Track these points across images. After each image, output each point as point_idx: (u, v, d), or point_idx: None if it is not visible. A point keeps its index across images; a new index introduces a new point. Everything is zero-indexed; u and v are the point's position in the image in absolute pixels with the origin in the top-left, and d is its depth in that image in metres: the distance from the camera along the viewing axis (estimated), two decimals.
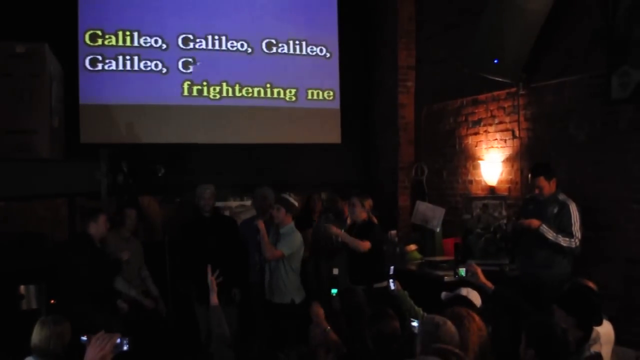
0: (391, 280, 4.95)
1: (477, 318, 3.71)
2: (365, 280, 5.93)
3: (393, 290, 4.89)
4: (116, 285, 5.96)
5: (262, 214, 6.19)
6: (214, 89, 8.13)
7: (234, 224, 6.62)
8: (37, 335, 3.82)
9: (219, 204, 7.13)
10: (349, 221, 6.61)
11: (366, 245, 5.94)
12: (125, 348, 3.41)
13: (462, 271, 4.77)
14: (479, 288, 4.55)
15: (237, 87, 8.24)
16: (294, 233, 5.83)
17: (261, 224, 5.71)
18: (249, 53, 8.30)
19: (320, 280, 6.83)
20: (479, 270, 4.64)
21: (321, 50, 8.68)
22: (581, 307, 3.72)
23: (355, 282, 6.08)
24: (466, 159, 7.60)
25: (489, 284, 4.54)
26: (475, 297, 4.42)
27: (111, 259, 5.75)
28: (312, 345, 4.29)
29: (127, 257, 5.86)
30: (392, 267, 5.32)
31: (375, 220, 6.30)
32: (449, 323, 3.42)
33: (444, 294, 4.61)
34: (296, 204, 5.99)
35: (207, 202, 6.31)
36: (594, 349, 3.68)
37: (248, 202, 8.01)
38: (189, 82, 8.02)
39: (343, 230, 6.19)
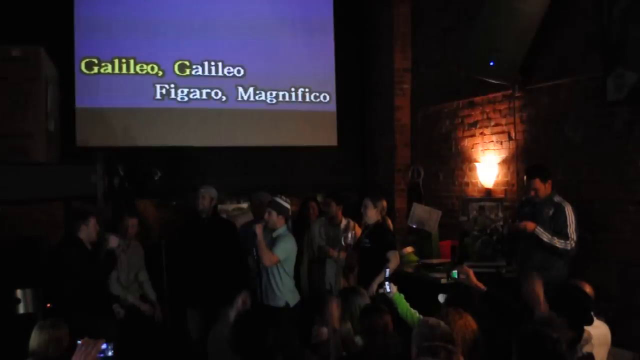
0: (387, 283, 4.94)
1: (465, 315, 3.74)
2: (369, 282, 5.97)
3: (389, 292, 4.89)
4: (112, 290, 5.95)
5: (261, 218, 6.14)
6: (210, 93, 8.14)
7: (232, 227, 6.60)
8: (35, 339, 3.80)
9: None
10: (342, 225, 6.59)
11: (397, 259, 6.04)
12: (110, 354, 3.42)
13: (455, 273, 4.78)
14: (470, 289, 4.57)
15: (233, 91, 8.24)
16: (287, 236, 5.78)
17: (259, 229, 5.61)
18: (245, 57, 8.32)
19: (313, 282, 6.82)
20: (471, 272, 4.65)
21: (317, 53, 8.68)
22: (571, 307, 3.73)
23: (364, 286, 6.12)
24: (462, 161, 7.61)
25: (481, 286, 4.55)
26: None
27: (104, 253, 5.69)
28: (312, 342, 4.28)
29: (114, 244, 5.63)
30: (387, 270, 5.33)
31: (390, 222, 6.32)
32: (443, 325, 3.44)
33: (441, 296, 4.62)
34: (289, 206, 5.88)
35: (201, 202, 6.31)
36: (586, 349, 3.69)
37: (244, 205, 8.02)
38: (185, 86, 8.04)
39: (350, 235, 6.20)
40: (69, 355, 3.72)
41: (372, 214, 6.20)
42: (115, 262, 5.69)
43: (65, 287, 5.34)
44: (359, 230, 6.48)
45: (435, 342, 3.22)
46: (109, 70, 7.76)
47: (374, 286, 5.81)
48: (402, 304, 4.81)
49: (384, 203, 6.32)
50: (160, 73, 7.97)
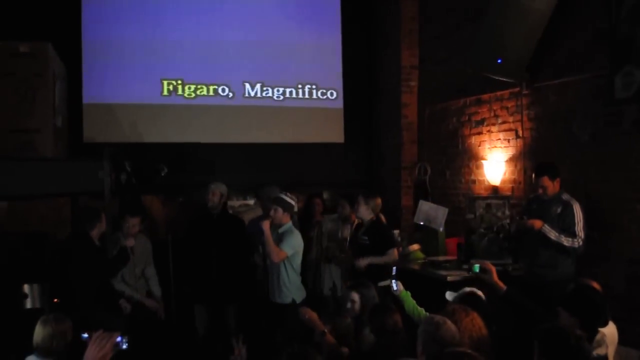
0: (394, 281, 4.94)
1: (472, 313, 3.73)
2: (370, 278, 5.99)
3: (396, 290, 4.89)
4: (117, 287, 5.98)
5: (268, 214, 6.15)
6: (217, 89, 8.14)
7: (241, 224, 6.61)
8: (39, 334, 3.82)
9: None
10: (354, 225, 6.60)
11: (395, 254, 6.11)
12: (124, 347, 3.43)
13: (477, 267, 4.72)
14: (489, 287, 4.54)
15: (240, 87, 8.25)
16: (293, 232, 5.80)
17: (266, 226, 5.60)
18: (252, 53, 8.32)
19: (320, 280, 6.82)
20: (493, 270, 4.60)
21: (324, 50, 8.68)
22: (585, 308, 3.70)
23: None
24: (469, 158, 7.59)
25: (501, 284, 4.51)
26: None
27: (117, 249, 5.76)
28: (315, 341, 4.28)
29: (131, 244, 5.82)
30: (394, 268, 5.32)
31: (383, 219, 6.33)
32: (449, 322, 3.43)
33: (448, 294, 4.61)
34: (294, 203, 5.92)
35: (211, 198, 6.33)
36: (600, 351, 3.65)
37: (251, 202, 8.02)
38: (192, 82, 8.04)
39: (347, 230, 6.22)
40: (73, 349, 3.76)
41: (363, 211, 6.23)
42: (128, 259, 5.74)
43: (73, 282, 5.37)
44: None
45: (444, 343, 3.22)
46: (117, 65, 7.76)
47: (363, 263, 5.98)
48: (409, 301, 4.81)
49: (378, 201, 6.32)
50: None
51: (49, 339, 3.79)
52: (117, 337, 3.37)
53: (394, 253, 6.10)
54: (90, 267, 5.39)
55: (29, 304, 5.71)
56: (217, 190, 6.37)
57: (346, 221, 6.72)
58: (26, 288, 5.74)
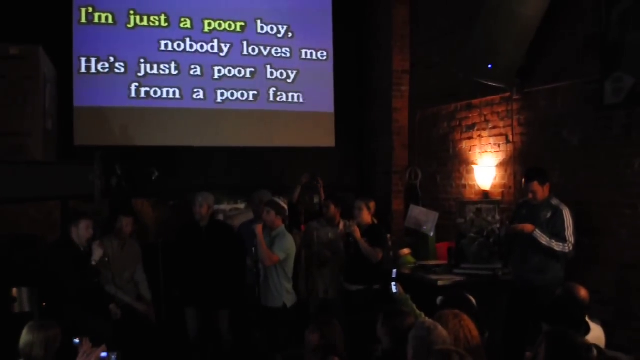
0: (393, 284, 4.95)
1: (461, 315, 3.73)
2: (365, 281, 6.01)
3: (395, 293, 4.90)
4: (108, 290, 5.95)
5: (260, 218, 6.14)
6: (209, 93, 8.12)
7: (230, 230, 6.57)
8: (22, 340, 3.84)
9: None
10: (340, 226, 6.60)
11: (379, 255, 6.09)
12: None
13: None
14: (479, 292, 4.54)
15: (231, 91, 8.23)
16: (286, 235, 5.81)
17: (259, 230, 5.63)
18: (244, 55, 8.31)
19: (311, 286, 6.80)
20: None
21: (315, 54, 8.69)
22: (564, 321, 3.66)
23: (352, 282, 6.16)
24: (460, 163, 7.61)
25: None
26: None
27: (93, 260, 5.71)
28: (305, 349, 4.26)
29: (98, 257, 5.61)
30: (394, 271, 5.34)
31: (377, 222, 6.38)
32: (440, 327, 3.43)
33: (439, 299, 4.61)
34: (286, 207, 5.98)
35: (198, 211, 6.23)
36: None
37: (242, 206, 8.01)
38: (183, 86, 8.02)
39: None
40: (63, 354, 3.75)
41: (365, 216, 6.32)
42: (98, 273, 5.67)
43: (56, 286, 5.35)
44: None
45: (439, 345, 3.22)
46: (108, 68, 7.74)
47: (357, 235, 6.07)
48: (408, 305, 4.80)
49: (374, 204, 6.48)
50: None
51: (28, 346, 3.80)
52: (103, 352, 3.36)
53: (379, 254, 6.13)
54: (65, 272, 5.35)
55: (17, 308, 5.67)
56: (205, 203, 6.23)
57: (331, 222, 6.71)
58: (15, 292, 5.70)
